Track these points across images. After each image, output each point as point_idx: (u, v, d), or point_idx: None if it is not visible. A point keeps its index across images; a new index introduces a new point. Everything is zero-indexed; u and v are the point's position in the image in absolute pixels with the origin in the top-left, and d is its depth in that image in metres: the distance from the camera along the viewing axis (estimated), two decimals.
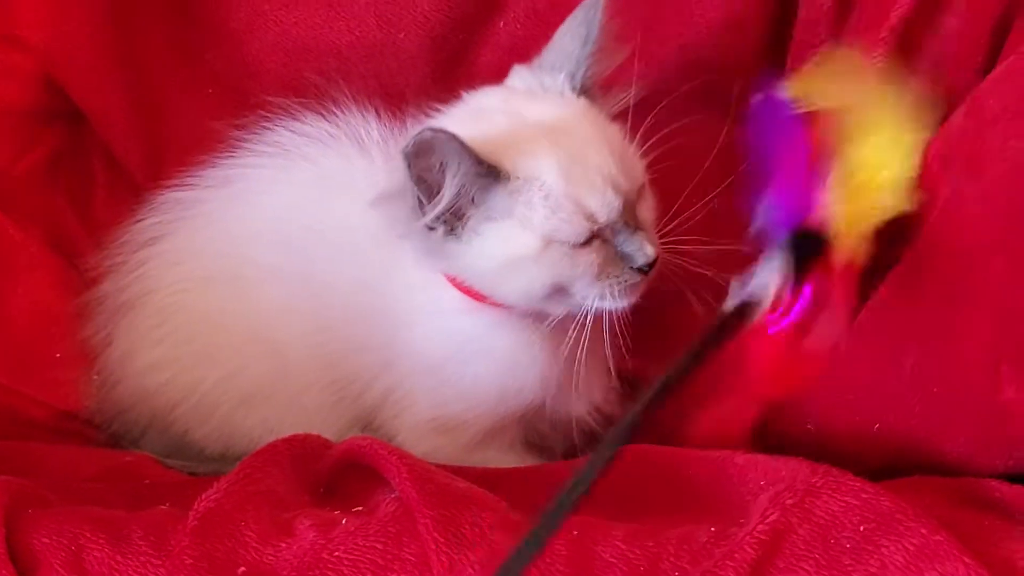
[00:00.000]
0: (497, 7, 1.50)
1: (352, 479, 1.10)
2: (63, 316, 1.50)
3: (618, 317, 1.19)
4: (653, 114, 1.27)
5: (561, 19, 1.29)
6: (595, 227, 1.17)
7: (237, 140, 1.38)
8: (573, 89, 1.26)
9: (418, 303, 1.28)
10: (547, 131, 1.20)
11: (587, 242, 1.17)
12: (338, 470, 1.11)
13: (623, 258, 1.18)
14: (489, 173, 1.16)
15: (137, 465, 1.33)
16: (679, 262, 1.22)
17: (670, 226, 1.23)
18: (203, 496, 1.01)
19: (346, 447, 1.12)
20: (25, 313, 1.58)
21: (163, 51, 1.62)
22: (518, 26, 1.50)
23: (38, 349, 1.54)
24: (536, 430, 1.34)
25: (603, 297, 1.19)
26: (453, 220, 1.17)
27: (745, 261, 1.08)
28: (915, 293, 1.04)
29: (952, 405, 0.99)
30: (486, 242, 1.18)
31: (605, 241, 1.18)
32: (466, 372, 1.28)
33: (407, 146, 1.11)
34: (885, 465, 1.07)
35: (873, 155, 1.03)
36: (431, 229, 1.17)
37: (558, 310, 1.20)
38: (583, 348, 1.19)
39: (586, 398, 1.31)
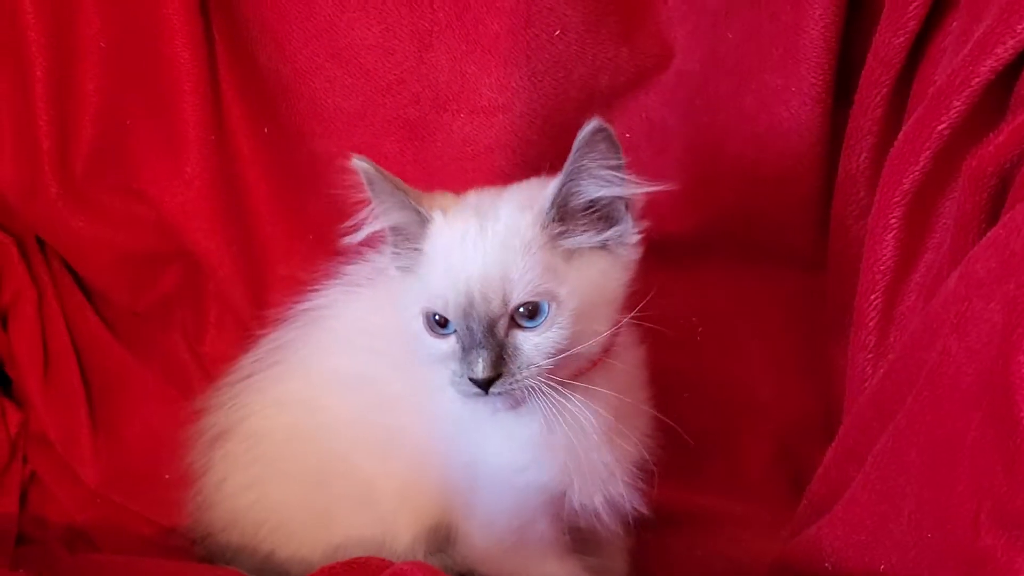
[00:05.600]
0: None
1: None
2: (173, 442, 1.57)
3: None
4: None
5: None
6: (442, 315, 1.19)
7: (318, 280, 1.48)
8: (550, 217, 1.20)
9: (430, 394, 1.31)
10: (472, 215, 1.21)
11: (450, 332, 1.19)
12: None
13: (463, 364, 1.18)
14: (412, 208, 1.22)
15: None
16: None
17: None
18: None
19: (390, 571, 1.18)
20: (140, 438, 1.74)
21: (268, 203, 1.78)
22: None
23: (150, 471, 1.67)
24: (571, 527, 1.35)
25: (451, 383, 1.19)
26: (406, 250, 1.25)
27: None
28: (912, 444, 1.08)
29: (942, 550, 1.02)
30: (403, 285, 1.26)
31: (460, 340, 1.19)
32: (468, 453, 1.30)
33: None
34: None
35: None
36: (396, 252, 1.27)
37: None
38: (575, 428, 1.20)
39: (598, 484, 1.30)
